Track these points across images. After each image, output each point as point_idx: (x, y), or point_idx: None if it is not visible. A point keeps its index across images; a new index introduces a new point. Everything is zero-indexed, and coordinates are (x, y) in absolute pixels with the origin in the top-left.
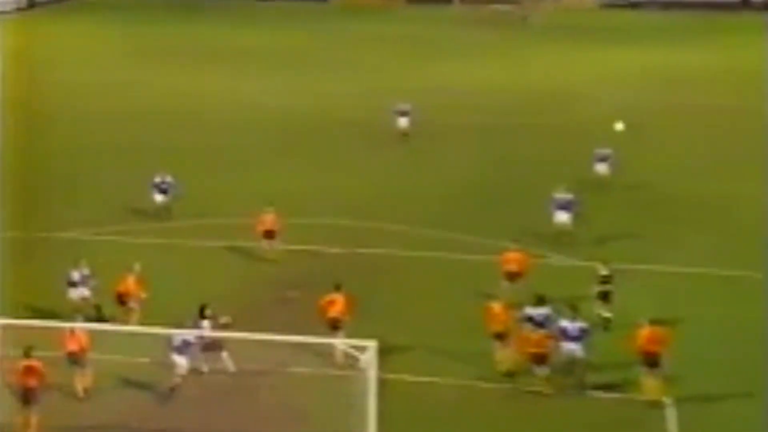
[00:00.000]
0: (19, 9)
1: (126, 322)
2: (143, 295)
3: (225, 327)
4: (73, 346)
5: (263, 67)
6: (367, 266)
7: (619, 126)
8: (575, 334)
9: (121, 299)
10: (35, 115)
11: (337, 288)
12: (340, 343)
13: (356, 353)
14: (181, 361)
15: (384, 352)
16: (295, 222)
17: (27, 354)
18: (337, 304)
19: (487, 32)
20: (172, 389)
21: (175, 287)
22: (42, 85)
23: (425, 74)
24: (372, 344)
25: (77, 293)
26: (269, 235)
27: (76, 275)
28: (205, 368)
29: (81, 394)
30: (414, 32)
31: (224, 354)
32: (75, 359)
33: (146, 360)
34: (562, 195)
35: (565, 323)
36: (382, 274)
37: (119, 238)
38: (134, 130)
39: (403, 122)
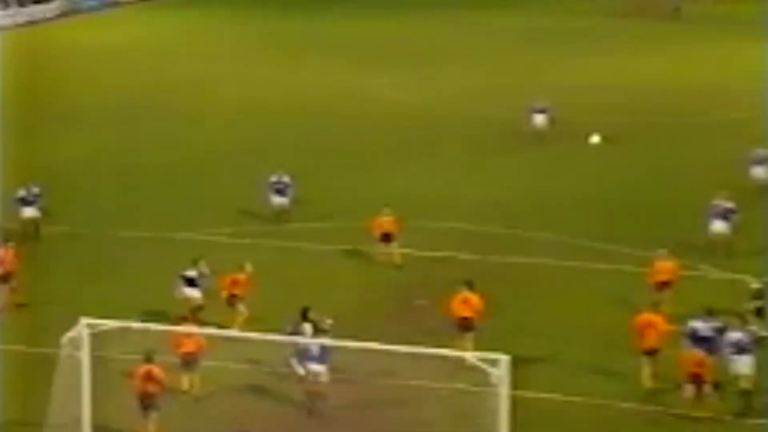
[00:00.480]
0: (129, 2)
1: (233, 325)
2: (246, 296)
3: (325, 332)
4: (189, 347)
5: (387, 60)
6: (498, 275)
7: (595, 139)
8: (745, 346)
9: (231, 301)
10: (147, 110)
11: (470, 286)
12: (470, 356)
13: (486, 367)
14: (316, 368)
15: (516, 367)
16: (421, 225)
17: (148, 359)
18: (470, 303)
19: (634, 24)
20: (311, 397)
21: (290, 292)
22: (152, 80)
23: (565, 69)
24: (504, 358)
25: (192, 292)
26: (386, 238)
27: (193, 274)
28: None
29: (194, 397)
30: (553, 24)
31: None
32: (189, 360)
33: (267, 367)
34: (721, 202)
35: (734, 334)
36: (514, 284)
37: (234, 241)
38: (249, 127)
39: (539, 121)
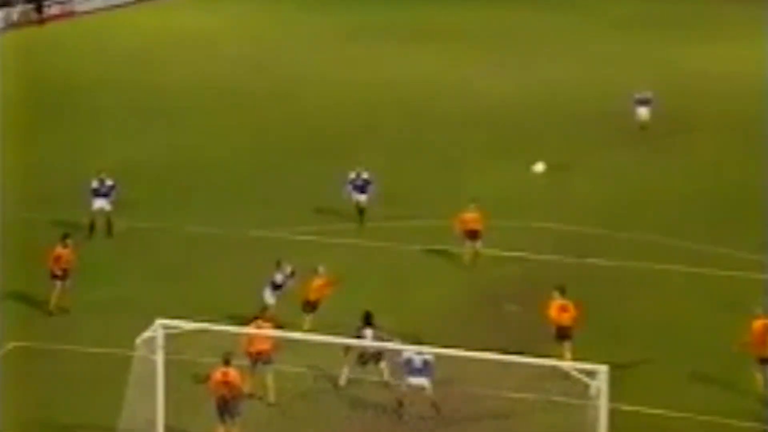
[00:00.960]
0: None
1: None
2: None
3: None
4: (262, 345)
5: (481, 49)
6: (596, 278)
7: (539, 168)
8: None
9: (306, 308)
10: (231, 102)
11: (562, 292)
12: (567, 365)
13: (584, 378)
14: (419, 381)
15: (614, 378)
16: (513, 225)
17: (225, 361)
18: (569, 310)
19: (737, 8)
20: (400, 404)
21: (369, 295)
22: (240, 67)
23: (668, 57)
24: (603, 368)
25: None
26: (472, 235)
27: (279, 277)
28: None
29: (270, 402)
30: (656, 9)
31: (383, 365)
32: (261, 360)
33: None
34: None
35: None
36: (613, 288)
37: (312, 238)
38: (333, 120)
39: (642, 113)
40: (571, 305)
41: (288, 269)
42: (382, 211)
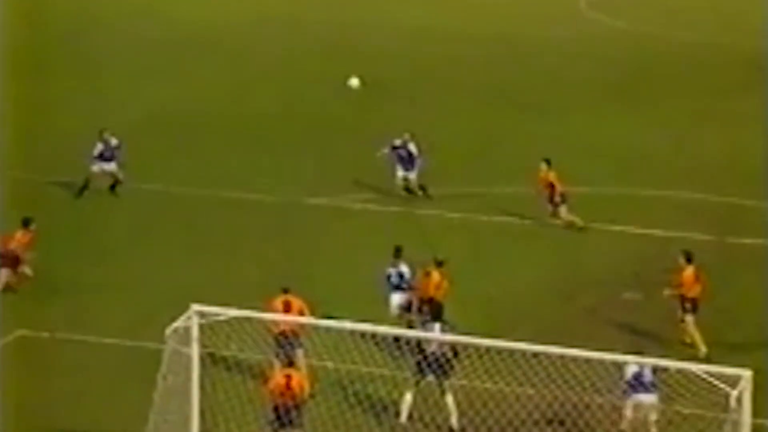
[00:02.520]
0: None
1: None
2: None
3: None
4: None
5: None
6: (739, 261)
7: (354, 82)
8: None
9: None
10: (261, 47)
11: (689, 259)
12: (698, 369)
13: (723, 386)
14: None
15: (759, 386)
16: (634, 194)
17: (290, 363)
18: (701, 280)
19: None
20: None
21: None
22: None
23: None
24: (746, 374)
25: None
26: (554, 203)
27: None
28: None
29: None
30: None
31: (449, 397)
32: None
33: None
34: None
35: None
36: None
37: (373, 208)
38: (406, 62)
39: None
40: (701, 274)
41: (403, 266)
42: (457, 174)
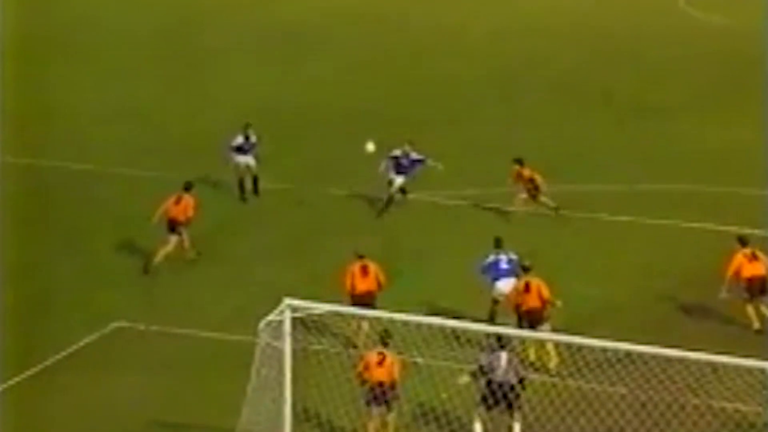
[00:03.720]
0: None
1: None
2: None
3: None
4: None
5: None
6: None
7: (370, 147)
8: None
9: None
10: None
11: (743, 243)
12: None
13: None
14: None
15: None
16: (739, 192)
17: (384, 343)
18: (759, 258)
19: None
20: None
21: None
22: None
23: None
24: None
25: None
26: (533, 191)
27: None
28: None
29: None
30: None
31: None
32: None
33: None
34: None
35: None
36: None
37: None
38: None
39: None
40: (759, 253)
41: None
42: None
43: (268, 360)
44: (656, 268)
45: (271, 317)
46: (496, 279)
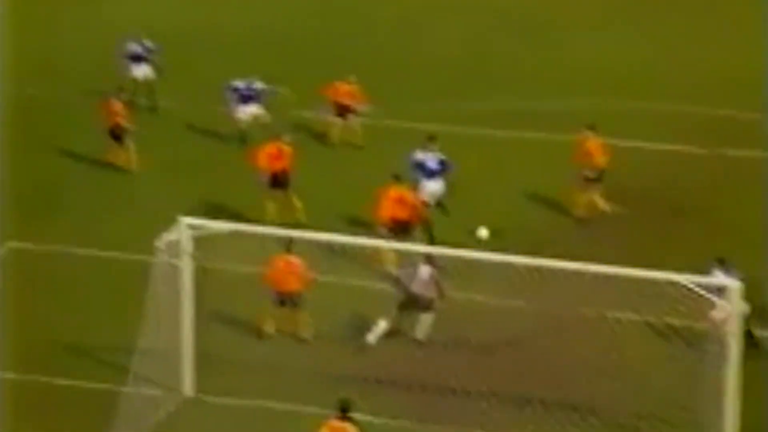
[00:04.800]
0: None
1: None
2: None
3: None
4: (291, 285)
5: None
6: (734, 174)
7: (483, 233)
8: None
9: None
10: None
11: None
12: (689, 281)
13: (706, 294)
14: None
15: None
16: (625, 108)
17: (288, 249)
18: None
19: None
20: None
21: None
22: None
23: None
24: (734, 284)
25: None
26: (344, 111)
27: None
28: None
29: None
30: None
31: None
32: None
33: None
34: None
35: None
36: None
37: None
38: None
39: None
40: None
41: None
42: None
43: (165, 278)
44: (557, 182)
45: (168, 236)
46: (423, 178)
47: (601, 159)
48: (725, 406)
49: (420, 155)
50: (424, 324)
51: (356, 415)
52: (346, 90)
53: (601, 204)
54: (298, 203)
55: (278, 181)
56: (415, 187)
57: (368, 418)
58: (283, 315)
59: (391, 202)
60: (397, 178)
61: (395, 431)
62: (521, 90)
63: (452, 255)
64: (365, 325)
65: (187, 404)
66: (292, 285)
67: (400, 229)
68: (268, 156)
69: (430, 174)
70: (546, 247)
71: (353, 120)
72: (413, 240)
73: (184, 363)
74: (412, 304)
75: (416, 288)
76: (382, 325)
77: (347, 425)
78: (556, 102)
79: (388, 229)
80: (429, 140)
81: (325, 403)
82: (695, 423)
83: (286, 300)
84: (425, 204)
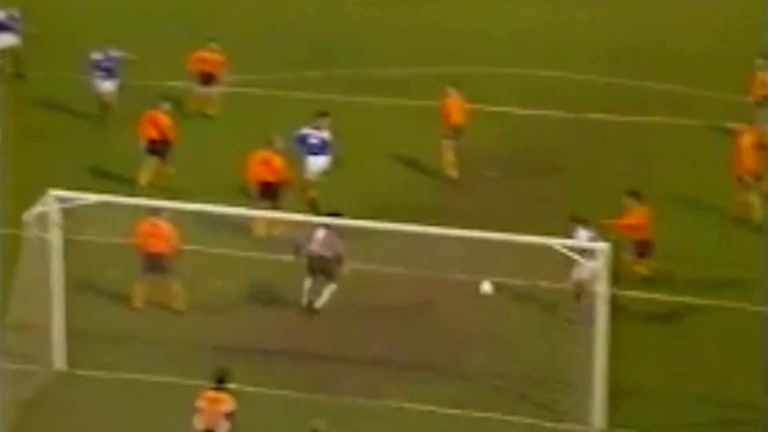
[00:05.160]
0: None
1: None
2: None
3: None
4: (158, 248)
5: None
6: (597, 136)
7: (486, 288)
8: None
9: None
10: None
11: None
12: (557, 244)
13: (576, 257)
14: None
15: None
16: (490, 73)
17: (154, 211)
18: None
19: None
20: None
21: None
22: None
23: None
24: (603, 246)
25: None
26: (207, 79)
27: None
28: None
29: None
30: None
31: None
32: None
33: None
34: None
35: None
36: (618, 148)
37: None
38: None
39: None
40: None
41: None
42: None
43: (35, 252)
44: (426, 151)
45: (36, 209)
46: (305, 154)
47: (457, 118)
48: (595, 365)
49: (304, 130)
50: (325, 294)
51: (236, 386)
52: (208, 58)
53: (450, 158)
54: (170, 170)
55: (155, 148)
56: (299, 162)
57: (249, 388)
58: (156, 286)
59: (257, 166)
60: (270, 144)
61: (278, 401)
62: (388, 58)
63: (332, 222)
64: (253, 295)
65: (59, 378)
66: (158, 247)
67: (268, 193)
68: (146, 123)
69: (312, 150)
70: (420, 212)
71: (215, 89)
72: (280, 203)
73: (55, 337)
74: (316, 266)
75: (315, 248)
76: (331, 288)
77: (222, 395)
78: (426, 69)
79: (258, 193)
80: (319, 116)
81: (201, 375)
82: (566, 383)
83: (155, 265)
84: (309, 182)
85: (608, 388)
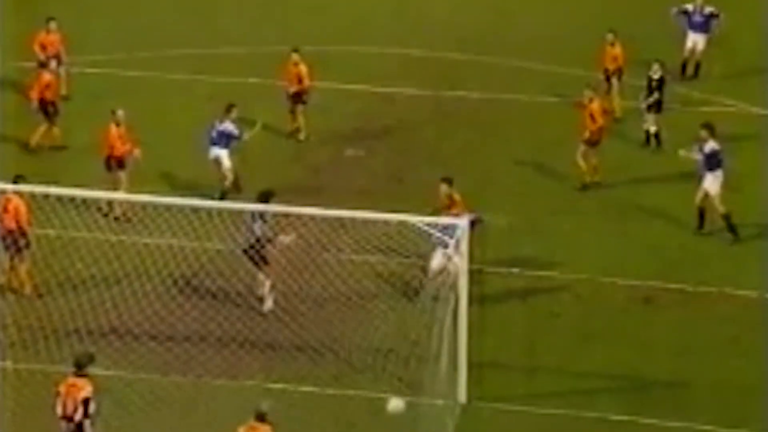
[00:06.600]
0: None
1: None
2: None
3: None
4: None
5: None
6: (454, 113)
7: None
8: None
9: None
10: None
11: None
12: (421, 221)
13: (440, 234)
14: None
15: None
16: (354, 51)
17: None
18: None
19: None
20: None
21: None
22: None
23: None
24: (463, 222)
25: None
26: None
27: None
28: None
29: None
30: None
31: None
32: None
33: None
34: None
35: None
36: (475, 124)
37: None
38: None
39: None
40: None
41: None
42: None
43: None
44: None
45: None
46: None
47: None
48: (457, 341)
49: (217, 123)
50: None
51: (95, 370)
52: (47, 39)
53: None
54: (57, 131)
55: (45, 109)
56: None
57: (108, 372)
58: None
59: (112, 140)
60: (113, 112)
61: (134, 384)
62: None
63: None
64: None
65: None
66: (7, 223)
67: (118, 165)
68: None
69: (213, 143)
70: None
71: (58, 69)
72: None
73: None
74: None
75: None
76: (267, 284)
77: (80, 380)
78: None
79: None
80: (227, 110)
81: (61, 359)
82: (426, 358)
83: (8, 244)
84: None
85: (468, 362)
